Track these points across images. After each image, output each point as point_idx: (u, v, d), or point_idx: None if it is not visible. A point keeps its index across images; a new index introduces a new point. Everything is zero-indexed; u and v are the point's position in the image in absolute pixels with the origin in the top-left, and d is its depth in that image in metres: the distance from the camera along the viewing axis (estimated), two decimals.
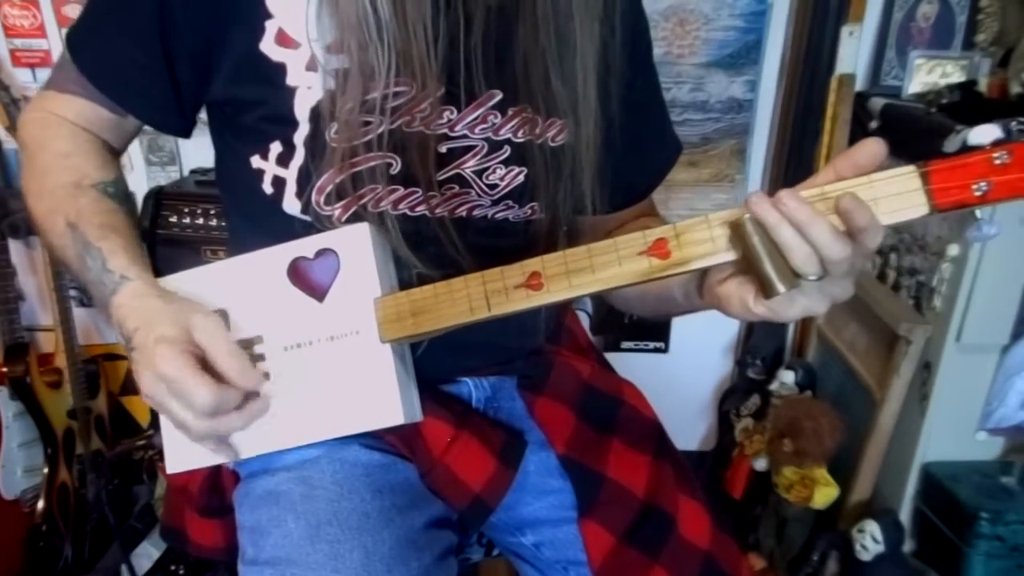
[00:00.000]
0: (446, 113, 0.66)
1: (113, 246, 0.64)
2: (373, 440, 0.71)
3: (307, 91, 0.64)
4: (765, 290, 0.52)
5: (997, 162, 0.49)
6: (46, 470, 1.66)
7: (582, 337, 0.93)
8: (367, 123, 0.63)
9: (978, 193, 0.49)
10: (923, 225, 1.40)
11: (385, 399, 0.63)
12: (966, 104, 1.43)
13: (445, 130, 0.67)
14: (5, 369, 1.61)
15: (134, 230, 0.69)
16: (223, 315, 0.65)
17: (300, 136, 0.65)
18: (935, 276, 1.35)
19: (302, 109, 0.64)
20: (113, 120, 0.72)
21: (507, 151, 0.69)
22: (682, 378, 1.96)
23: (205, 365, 0.57)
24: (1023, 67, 1.41)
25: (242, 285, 0.66)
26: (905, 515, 1.47)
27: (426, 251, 0.67)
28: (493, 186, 0.70)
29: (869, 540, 1.41)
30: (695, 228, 0.54)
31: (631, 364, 1.16)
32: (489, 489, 0.71)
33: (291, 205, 0.67)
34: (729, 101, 1.74)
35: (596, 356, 0.92)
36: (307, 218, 0.67)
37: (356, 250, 0.64)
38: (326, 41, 0.63)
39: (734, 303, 0.57)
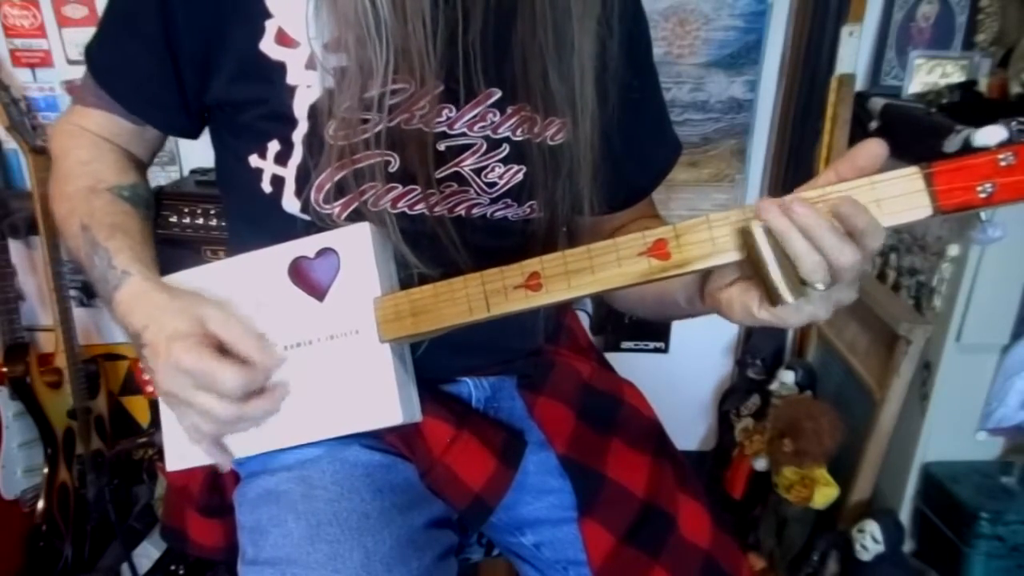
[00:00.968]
0: (445, 111, 0.66)
1: (120, 245, 0.66)
2: (373, 440, 0.71)
3: (306, 89, 0.64)
4: (771, 298, 0.52)
5: (1003, 164, 0.47)
6: (46, 470, 1.65)
7: (582, 337, 0.93)
8: (365, 121, 0.63)
9: (983, 195, 0.48)
10: (923, 225, 1.39)
11: (384, 399, 0.63)
12: (966, 104, 1.43)
13: (444, 128, 0.67)
14: (5, 369, 1.61)
15: (146, 232, 0.71)
16: None
17: (299, 134, 0.65)
18: (935, 276, 1.35)
19: (301, 107, 0.64)
20: (133, 130, 0.74)
21: (506, 149, 0.69)
22: (682, 378, 1.96)
23: (222, 353, 0.59)
24: (1023, 67, 1.41)
25: (242, 284, 0.66)
26: (905, 515, 1.47)
27: (425, 250, 0.67)
28: (492, 184, 0.70)
29: (869, 540, 1.41)
30: (695, 229, 0.54)
31: (631, 364, 1.15)
32: (489, 489, 0.71)
33: (290, 204, 0.67)
34: (729, 101, 1.74)
35: (596, 356, 0.92)
36: (307, 217, 0.67)
37: (357, 250, 0.64)
38: (325, 39, 0.63)
39: (737, 309, 0.56)
